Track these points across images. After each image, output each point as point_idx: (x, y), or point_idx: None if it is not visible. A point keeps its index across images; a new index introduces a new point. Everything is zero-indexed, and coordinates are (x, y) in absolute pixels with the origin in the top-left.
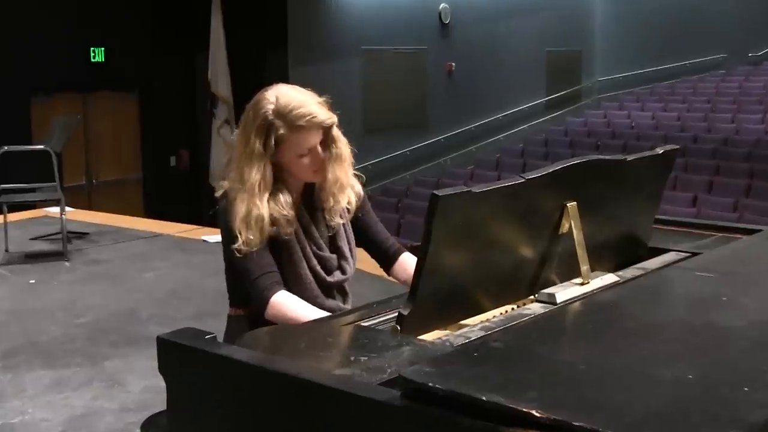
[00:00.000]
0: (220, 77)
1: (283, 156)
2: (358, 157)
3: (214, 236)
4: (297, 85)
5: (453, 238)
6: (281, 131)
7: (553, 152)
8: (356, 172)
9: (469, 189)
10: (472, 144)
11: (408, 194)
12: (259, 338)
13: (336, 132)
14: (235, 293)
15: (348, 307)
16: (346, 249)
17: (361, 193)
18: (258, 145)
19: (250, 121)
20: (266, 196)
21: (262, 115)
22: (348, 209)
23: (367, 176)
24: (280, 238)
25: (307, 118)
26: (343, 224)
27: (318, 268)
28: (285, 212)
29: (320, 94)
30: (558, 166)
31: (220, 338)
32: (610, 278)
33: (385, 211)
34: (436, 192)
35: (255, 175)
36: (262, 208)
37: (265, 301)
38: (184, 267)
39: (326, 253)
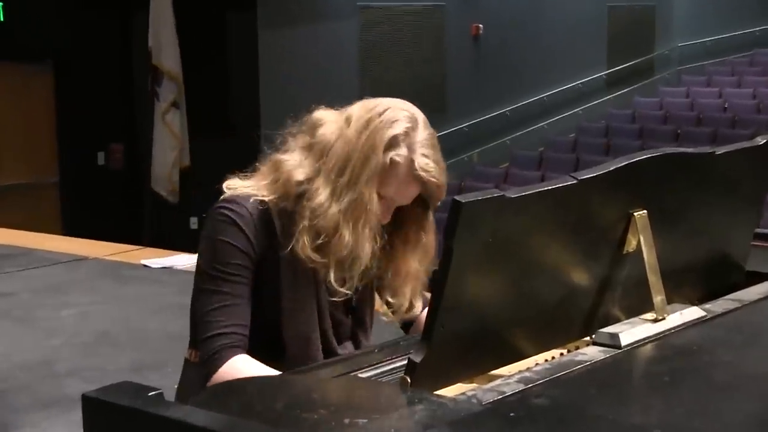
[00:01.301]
0: (164, 45)
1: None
2: None
3: (158, 260)
4: (269, 54)
5: (481, 260)
6: (397, 157)
7: (615, 144)
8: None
9: (502, 194)
10: (506, 135)
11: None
12: (223, 394)
13: (432, 218)
14: None
15: None
16: (367, 317)
17: (417, 313)
18: (379, 161)
19: (381, 123)
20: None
21: (398, 128)
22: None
23: None
24: (285, 273)
25: (432, 174)
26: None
27: (330, 333)
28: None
29: (301, 67)
30: (622, 163)
31: (169, 395)
32: (693, 313)
33: None
34: (458, 198)
35: (366, 193)
36: (366, 248)
37: (214, 367)
38: (118, 302)
39: (341, 316)
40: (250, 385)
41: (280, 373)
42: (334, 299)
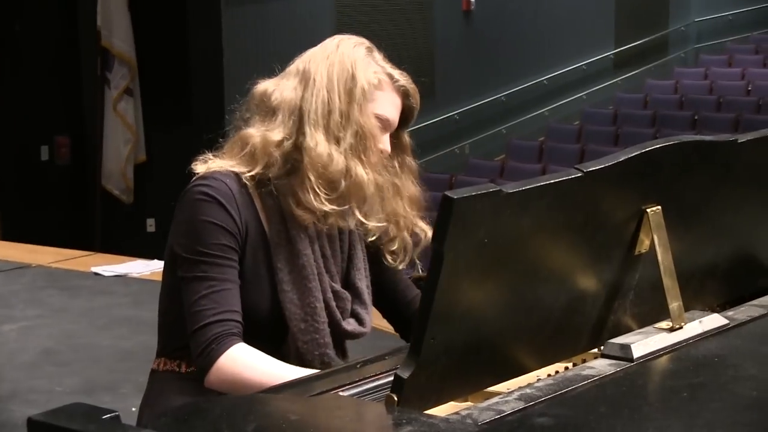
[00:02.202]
0: (115, 24)
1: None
2: None
3: (111, 267)
4: (235, 35)
5: (475, 264)
6: (380, 78)
7: (625, 133)
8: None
9: (498, 188)
10: (502, 123)
11: None
12: (188, 416)
13: (409, 139)
14: (174, 333)
15: None
16: (365, 291)
17: (427, 242)
18: (365, 83)
19: (344, 54)
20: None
21: (356, 50)
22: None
23: None
24: (277, 248)
25: (406, 81)
26: (363, 254)
27: (333, 304)
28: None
29: (271, 48)
30: (633, 153)
31: (126, 418)
32: (714, 321)
33: None
34: (449, 194)
35: (364, 120)
36: (382, 176)
37: (211, 360)
38: (65, 315)
39: (339, 288)
40: (217, 405)
41: (287, 366)
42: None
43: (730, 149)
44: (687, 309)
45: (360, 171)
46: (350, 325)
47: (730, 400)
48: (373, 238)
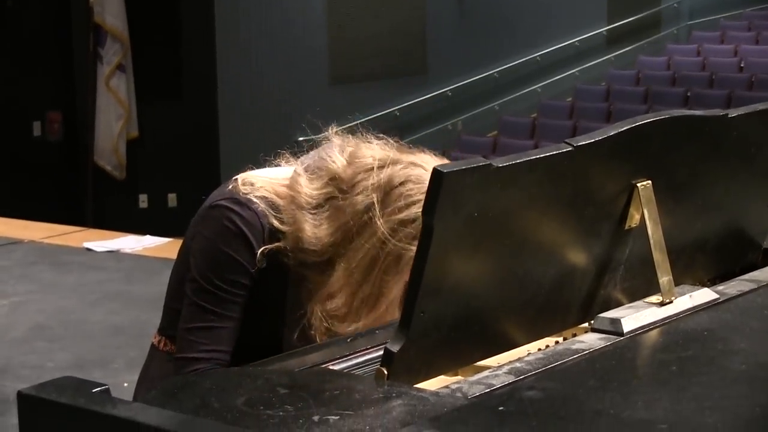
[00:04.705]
0: (108, 0)
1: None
2: (321, 120)
3: (103, 242)
4: (227, 10)
5: (465, 238)
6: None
7: (618, 109)
8: None
9: (488, 162)
10: (494, 99)
11: None
12: (177, 390)
13: None
14: (174, 319)
15: None
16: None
17: None
18: (407, 255)
19: (409, 222)
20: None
21: (411, 214)
22: None
23: None
24: (292, 299)
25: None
26: None
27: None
28: None
29: (263, 22)
30: (623, 127)
31: (117, 393)
32: (704, 295)
33: None
34: (438, 167)
35: (396, 295)
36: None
37: None
38: (57, 290)
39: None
40: (207, 379)
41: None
42: None
43: (720, 124)
44: (677, 283)
45: (356, 324)
46: None
47: (719, 373)
48: None
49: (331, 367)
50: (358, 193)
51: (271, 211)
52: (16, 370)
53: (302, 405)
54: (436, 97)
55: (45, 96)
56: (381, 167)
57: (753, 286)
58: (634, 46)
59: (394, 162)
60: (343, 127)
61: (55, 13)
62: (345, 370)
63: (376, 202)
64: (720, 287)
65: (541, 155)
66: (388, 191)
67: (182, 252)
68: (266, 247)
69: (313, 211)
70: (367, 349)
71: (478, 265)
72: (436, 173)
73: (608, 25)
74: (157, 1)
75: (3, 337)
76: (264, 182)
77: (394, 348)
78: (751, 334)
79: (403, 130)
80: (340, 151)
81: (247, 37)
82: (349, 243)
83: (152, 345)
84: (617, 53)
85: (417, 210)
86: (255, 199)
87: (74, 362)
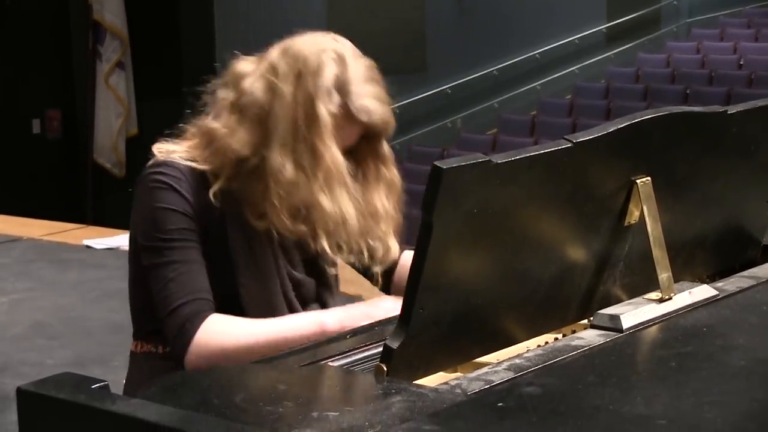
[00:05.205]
0: None
1: None
2: None
3: (102, 240)
4: (226, 8)
5: (464, 234)
6: (334, 108)
7: (617, 107)
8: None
9: (488, 159)
10: (494, 97)
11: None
12: (177, 386)
13: (388, 149)
14: (145, 317)
15: None
16: (330, 274)
17: (395, 258)
18: (326, 115)
19: (310, 75)
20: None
21: (327, 76)
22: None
23: None
24: (235, 242)
25: (374, 114)
26: None
27: (292, 294)
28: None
29: (263, 19)
30: (623, 124)
31: (116, 390)
32: (703, 291)
33: None
34: (438, 164)
35: (328, 152)
36: (350, 209)
37: (187, 339)
38: (56, 288)
39: (302, 276)
40: (206, 376)
41: (260, 320)
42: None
43: (719, 120)
44: (676, 280)
45: (325, 202)
46: (312, 310)
47: (718, 369)
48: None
49: (330, 364)
50: (250, 81)
51: (191, 158)
52: (16, 368)
53: (302, 401)
54: (436, 94)
55: (44, 94)
56: (261, 57)
57: (752, 282)
58: (633, 43)
59: (271, 50)
60: None
61: (54, 11)
62: (344, 367)
63: (269, 75)
64: (719, 284)
65: (541, 151)
66: (274, 64)
67: (130, 250)
68: (213, 189)
69: (223, 124)
70: (367, 345)
71: (478, 261)
72: (435, 170)
73: (608, 23)
74: None
75: (3, 334)
76: (176, 142)
77: (394, 344)
78: (750, 330)
79: (402, 127)
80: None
81: (247, 35)
82: (268, 127)
83: (131, 353)
84: (617, 50)
85: (303, 64)
86: (173, 156)
87: (74, 359)
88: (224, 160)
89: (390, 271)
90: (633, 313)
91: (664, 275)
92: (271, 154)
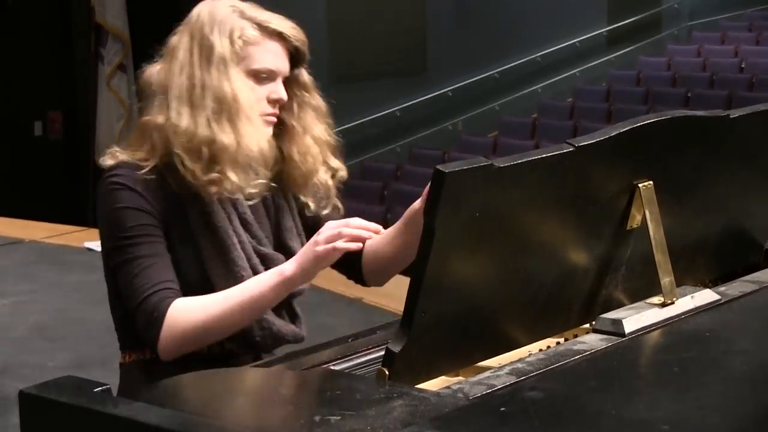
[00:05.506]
0: (109, 0)
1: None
2: None
3: None
4: None
5: (466, 238)
6: (247, 34)
7: (618, 110)
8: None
9: (490, 162)
10: (495, 99)
11: (398, 175)
12: (178, 389)
13: (308, 76)
14: (128, 326)
15: (302, 333)
16: (297, 249)
17: (345, 176)
18: (222, 48)
19: (205, 21)
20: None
21: (222, 12)
22: (313, 201)
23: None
24: (196, 225)
25: (279, 23)
26: (293, 216)
27: (261, 269)
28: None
29: None
30: (625, 128)
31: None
32: (705, 296)
33: (363, 200)
34: (440, 167)
35: (225, 84)
36: (257, 134)
37: (158, 327)
38: (58, 290)
39: (269, 250)
40: (210, 379)
41: (222, 292)
42: (250, 205)
43: (721, 124)
44: (678, 284)
45: (223, 136)
46: None
47: (721, 374)
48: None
49: (332, 368)
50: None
51: (140, 157)
52: (17, 370)
53: (303, 405)
54: (437, 97)
55: (46, 96)
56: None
57: (755, 287)
58: (634, 46)
59: None
60: (344, 127)
61: (56, 13)
62: (346, 371)
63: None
64: (722, 288)
65: (543, 155)
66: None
67: (104, 264)
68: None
69: (152, 112)
70: (369, 349)
71: (480, 265)
72: (437, 173)
73: (609, 26)
74: (159, 1)
75: (4, 336)
76: (123, 153)
77: (396, 348)
78: (753, 334)
79: (403, 130)
80: None
81: None
82: (168, 86)
83: (120, 365)
84: (618, 54)
85: (196, 17)
86: (122, 157)
87: (75, 362)
88: (159, 144)
89: (357, 257)
90: (635, 317)
91: (666, 279)
92: (170, 110)
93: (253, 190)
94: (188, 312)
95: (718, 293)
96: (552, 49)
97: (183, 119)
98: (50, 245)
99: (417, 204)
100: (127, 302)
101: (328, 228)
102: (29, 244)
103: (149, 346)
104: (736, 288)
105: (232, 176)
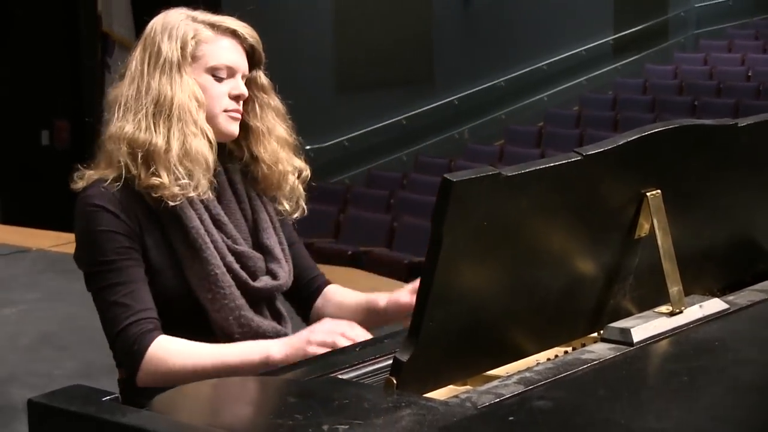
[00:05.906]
0: (116, 10)
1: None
2: (328, 129)
3: None
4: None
5: (474, 247)
6: (201, 34)
7: (625, 118)
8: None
9: (498, 171)
10: (501, 108)
11: (405, 184)
12: (186, 398)
13: (266, 78)
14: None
15: (285, 330)
16: (276, 248)
17: (308, 176)
18: (170, 53)
19: (157, 31)
20: (202, 119)
21: (172, 23)
22: (287, 204)
23: (343, 156)
24: (170, 230)
25: (232, 22)
26: (270, 216)
27: (236, 266)
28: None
29: (269, 30)
30: (633, 136)
31: None
32: (714, 305)
33: (369, 209)
34: (448, 176)
35: (166, 87)
36: (202, 138)
37: (137, 360)
38: (65, 298)
39: (245, 248)
40: (215, 388)
41: (203, 344)
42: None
43: (729, 133)
44: (687, 293)
45: (157, 138)
46: (261, 282)
47: (730, 383)
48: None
49: (340, 376)
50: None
51: (105, 172)
52: (24, 378)
53: (311, 414)
54: (443, 105)
55: (53, 104)
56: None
57: (763, 296)
58: (641, 54)
59: None
60: (350, 135)
61: (63, 22)
62: (354, 379)
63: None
64: (730, 297)
65: (551, 164)
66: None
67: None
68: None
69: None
70: (376, 358)
71: (487, 274)
72: (445, 182)
73: (615, 34)
74: (164, 10)
75: (11, 344)
76: (93, 172)
77: (403, 357)
78: (762, 344)
79: (409, 138)
80: None
81: None
82: (119, 98)
83: (119, 381)
84: (624, 62)
85: (151, 30)
86: (94, 181)
87: (82, 370)
88: (116, 156)
89: (313, 294)
90: (643, 326)
91: (674, 288)
92: (119, 120)
93: (192, 194)
94: (169, 355)
95: (726, 302)
96: (558, 58)
97: (127, 125)
98: (57, 254)
99: (405, 299)
100: (107, 328)
101: (325, 331)
102: (36, 253)
103: (127, 372)
104: (744, 297)
105: (164, 178)
